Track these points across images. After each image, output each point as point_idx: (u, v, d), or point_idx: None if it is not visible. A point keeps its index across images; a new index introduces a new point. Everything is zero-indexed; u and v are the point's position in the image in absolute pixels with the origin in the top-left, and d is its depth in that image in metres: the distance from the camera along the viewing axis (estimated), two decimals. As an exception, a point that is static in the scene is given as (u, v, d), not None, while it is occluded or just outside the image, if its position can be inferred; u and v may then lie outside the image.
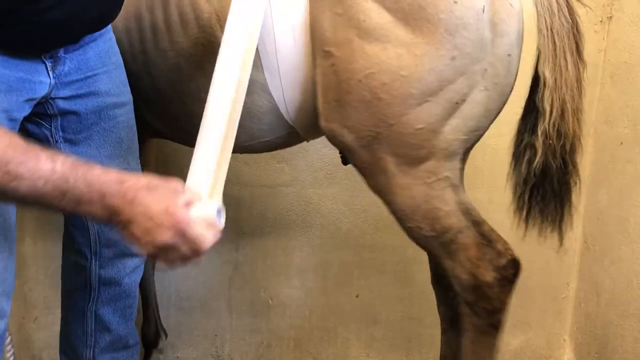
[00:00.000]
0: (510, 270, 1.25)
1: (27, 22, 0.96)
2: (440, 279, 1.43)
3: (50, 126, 1.17)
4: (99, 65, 1.17)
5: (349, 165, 1.31)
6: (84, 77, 1.15)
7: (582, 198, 1.85)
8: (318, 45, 1.18)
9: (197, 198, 0.88)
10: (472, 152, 1.31)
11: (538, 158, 1.24)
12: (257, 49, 1.09)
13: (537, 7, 1.20)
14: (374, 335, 1.98)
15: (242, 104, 1.04)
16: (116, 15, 1.18)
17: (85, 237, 1.29)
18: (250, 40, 1.07)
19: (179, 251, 0.84)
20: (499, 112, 1.26)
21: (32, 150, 0.81)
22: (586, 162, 1.83)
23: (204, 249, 0.85)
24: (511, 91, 1.25)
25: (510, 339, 1.93)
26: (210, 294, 1.97)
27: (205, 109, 1.02)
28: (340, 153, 1.34)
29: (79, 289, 1.34)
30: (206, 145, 0.99)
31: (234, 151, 1.11)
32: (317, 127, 1.27)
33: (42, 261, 1.85)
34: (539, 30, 1.20)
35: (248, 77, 1.06)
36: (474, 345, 1.30)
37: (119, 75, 1.23)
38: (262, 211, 1.88)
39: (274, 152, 1.67)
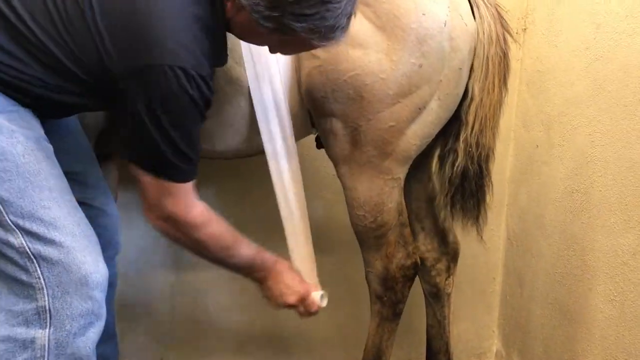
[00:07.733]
0: (412, 271, 1.45)
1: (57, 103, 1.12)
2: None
3: None
4: None
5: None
6: None
7: (505, 197, 1.98)
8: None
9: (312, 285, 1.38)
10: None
11: (459, 161, 1.40)
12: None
13: (479, 34, 1.35)
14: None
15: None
16: None
17: None
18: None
19: (297, 310, 1.33)
20: (444, 123, 1.40)
21: (238, 236, 1.22)
22: (508, 164, 1.96)
23: (312, 313, 1.34)
24: (456, 104, 1.38)
25: (443, 333, 2.02)
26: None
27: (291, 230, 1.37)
28: (315, 138, 1.48)
29: None
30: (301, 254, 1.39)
31: (226, 157, 1.46)
32: (303, 131, 1.41)
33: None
34: (476, 54, 1.35)
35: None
36: (379, 328, 1.49)
37: None
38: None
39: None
